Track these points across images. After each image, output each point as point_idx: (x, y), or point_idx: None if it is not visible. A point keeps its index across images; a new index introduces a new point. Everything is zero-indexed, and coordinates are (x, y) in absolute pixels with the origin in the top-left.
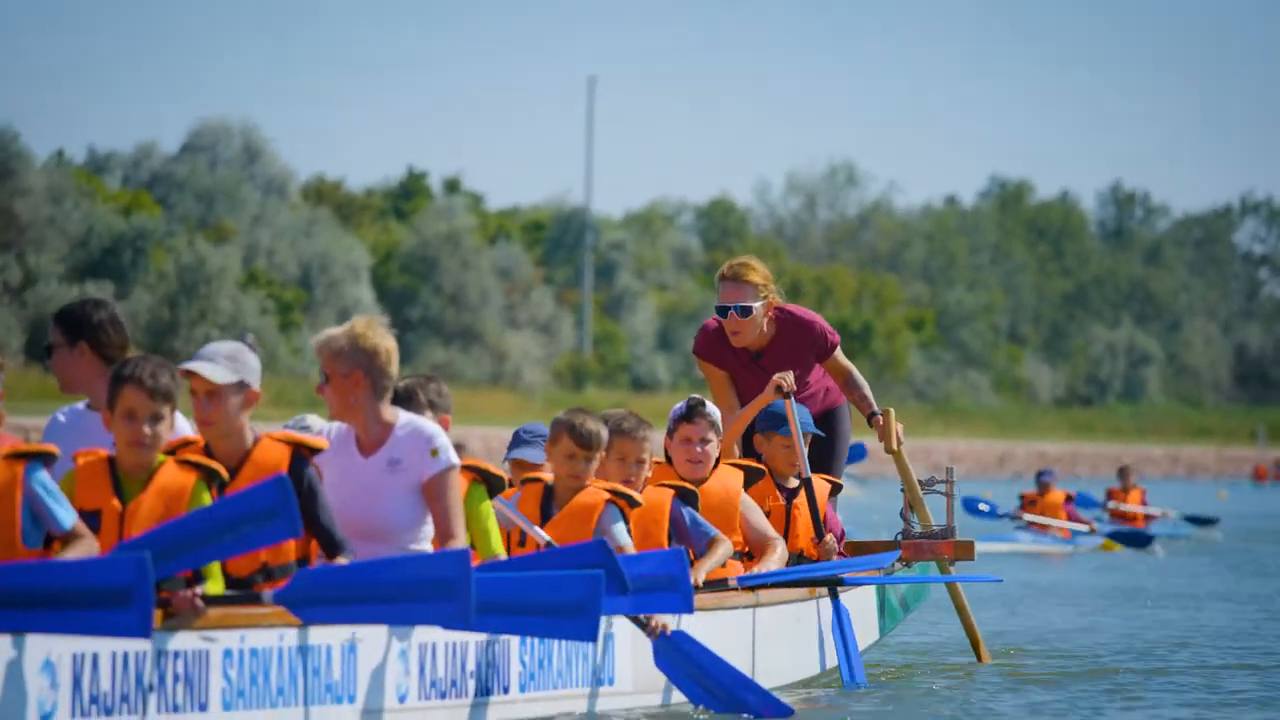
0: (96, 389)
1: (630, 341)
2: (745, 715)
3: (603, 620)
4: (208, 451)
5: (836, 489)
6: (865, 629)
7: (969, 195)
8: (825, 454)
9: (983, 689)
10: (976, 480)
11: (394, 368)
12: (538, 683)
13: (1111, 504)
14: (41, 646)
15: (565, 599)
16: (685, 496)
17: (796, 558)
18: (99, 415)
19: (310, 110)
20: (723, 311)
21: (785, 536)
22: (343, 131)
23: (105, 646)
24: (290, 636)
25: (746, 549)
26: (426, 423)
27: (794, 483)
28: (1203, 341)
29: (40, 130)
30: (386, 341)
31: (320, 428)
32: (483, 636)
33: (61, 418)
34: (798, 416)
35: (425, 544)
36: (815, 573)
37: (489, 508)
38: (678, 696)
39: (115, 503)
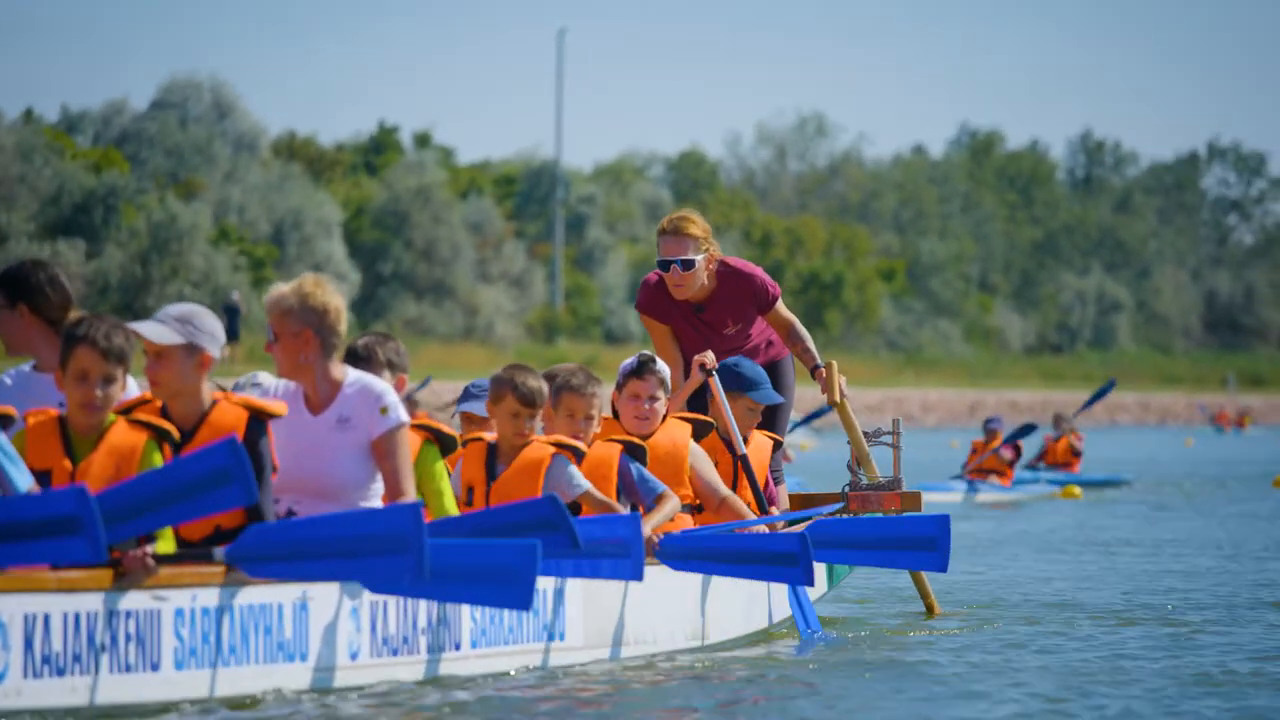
0: (40, 350)
1: (602, 294)
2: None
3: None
4: (164, 412)
5: (778, 445)
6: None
7: (938, 145)
8: (771, 409)
9: (941, 638)
10: (948, 429)
11: (343, 326)
12: (489, 639)
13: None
14: None
15: (500, 567)
16: (633, 451)
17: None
18: (46, 376)
19: (281, 66)
20: (665, 266)
21: (734, 491)
22: (313, 87)
23: (56, 606)
24: (242, 595)
25: (696, 502)
26: (375, 380)
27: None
28: (1172, 288)
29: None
30: (335, 300)
31: (271, 385)
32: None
33: (8, 380)
34: (763, 395)
35: (375, 502)
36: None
37: (442, 467)
38: (628, 651)
39: (66, 463)
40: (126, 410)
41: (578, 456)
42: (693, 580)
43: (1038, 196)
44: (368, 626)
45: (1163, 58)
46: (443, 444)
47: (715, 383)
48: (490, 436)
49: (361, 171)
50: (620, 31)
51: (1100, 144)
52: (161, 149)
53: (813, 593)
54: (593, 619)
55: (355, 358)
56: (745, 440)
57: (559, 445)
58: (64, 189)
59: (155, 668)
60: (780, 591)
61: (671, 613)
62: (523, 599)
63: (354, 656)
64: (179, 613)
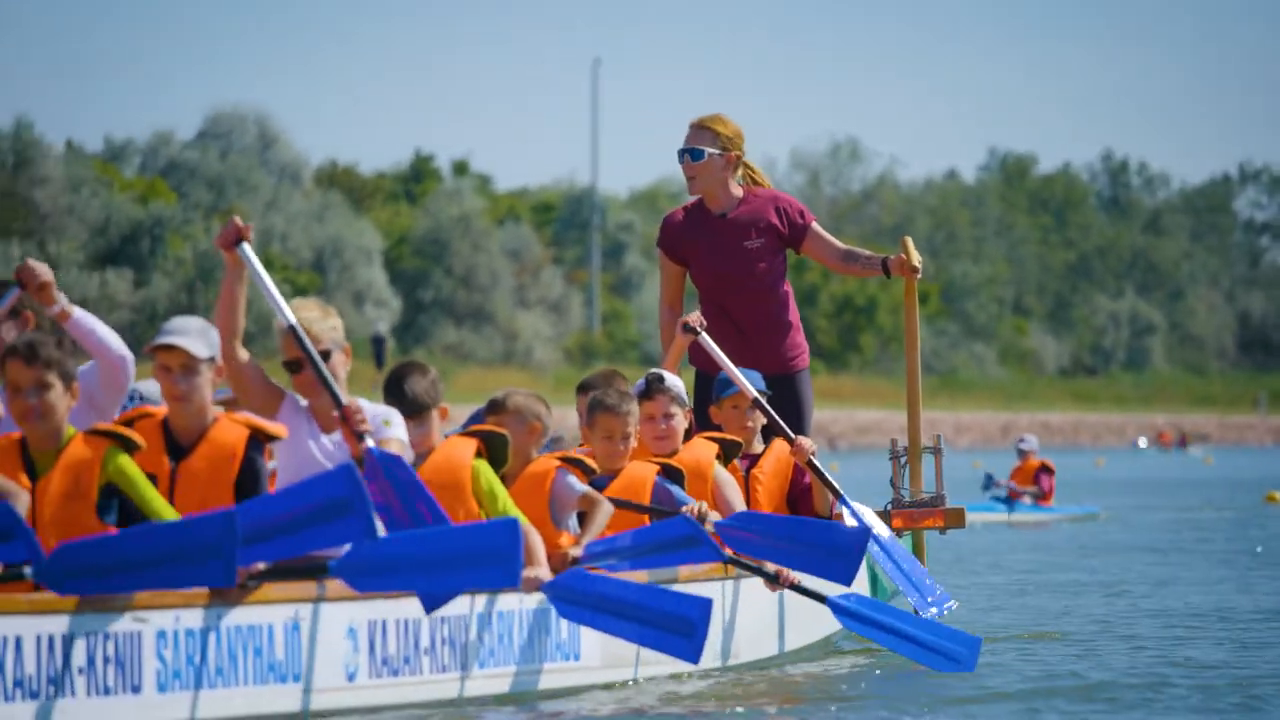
0: None
1: (638, 319)
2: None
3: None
4: (166, 426)
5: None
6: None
7: (969, 169)
8: (788, 425)
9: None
10: (980, 451)
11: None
12: (497, 659)
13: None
14: None
15: (675, 617)
16: (670, 474)
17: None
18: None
19: (322, 97)
20: (680, 157)
21: (747, 505)
22: (354, 117)
23: (29, 629)
24: (230, 616)
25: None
26: (380, 406)
27: (758, 448)
28: (1205, 309)
29: (54, 120)
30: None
31: (154, 393)
32: (440, 613)
33: None
34: (750, 379)
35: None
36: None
37: (492, 474)
38: (646, 671)
39: (25, 480)
40: (128, 423)
41: (586, 472)
42: (723, 595)
43: (1071, 219)
44: (365, 646)
45: (1193, 81)
46: (493, 452)
47: (706, 339)
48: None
49: (401, 199)
50: (654, 60)
51: (1124, 164)
52: (205, 179)
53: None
54: (610, 638)
55: (417, 405)
56: (766, 450)
57: (566, 460)
58: (111, 219)
59: (136, 690)
60: (815, 610)
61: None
62: (694, 652)
63: (351, 678)
64: (161, 634)
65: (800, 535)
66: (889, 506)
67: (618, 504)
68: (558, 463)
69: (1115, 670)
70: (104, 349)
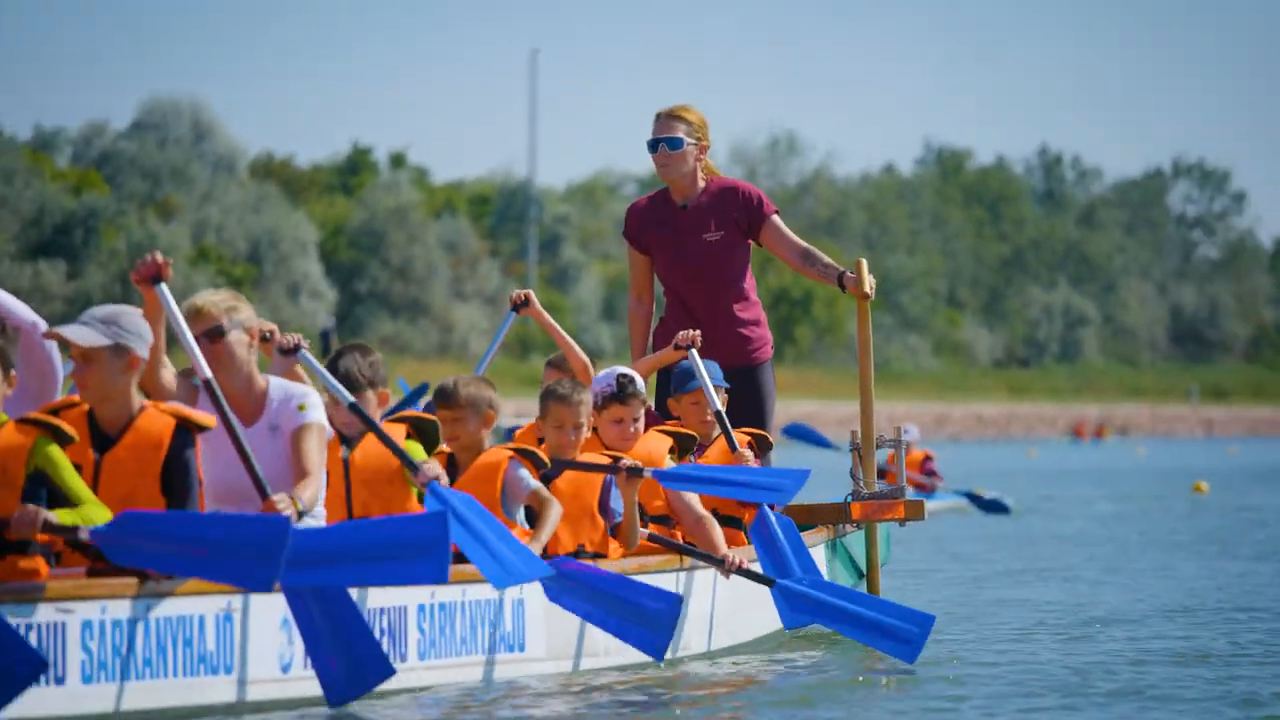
0: None
1: (576, 311)
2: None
3: (515, 587)
4: (91, 417)
5: (765, 445)
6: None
7: (906, 163)
8: (749, 417)
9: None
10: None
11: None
12: (439, 650)
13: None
14: None
15: (411, 541)
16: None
17: (712, 514)
18: None
19: (258, 88)
20: (653, 146)
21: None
22: (290, 108)
23: None
24: (160, 607)
25: (665, 513)
26: (294, 385)
27: (715, 436)
28: (1138, 302)
29: None
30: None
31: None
32: (377, 603)
33: None
34: (708, 370)
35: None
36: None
37: (419, 453)
38: (589, 663)
39: None
40: (54, 411)
41: (537, 465)
42: (668, 586)
43: (1005, 213)
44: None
45: (1128, 76)
46: (424, 436)
47: (695, 357)
48: (447, 448)
49: (338, 191)
50: (592, 52)
51: (1059, 158)
52: (140, 170)
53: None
54: (556, 628)
55: (350, 384)
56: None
57: (518, 452)
58: (44, 210)
59: (60, 682)
60: (767, 600)
61: None
62: (438, 572)
63: (285, 669)
64: (86, 624)
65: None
66: (848, 498)
67: (574, 467)
68: (510, 454)
69: (1048, 663)
70: (12, 316)
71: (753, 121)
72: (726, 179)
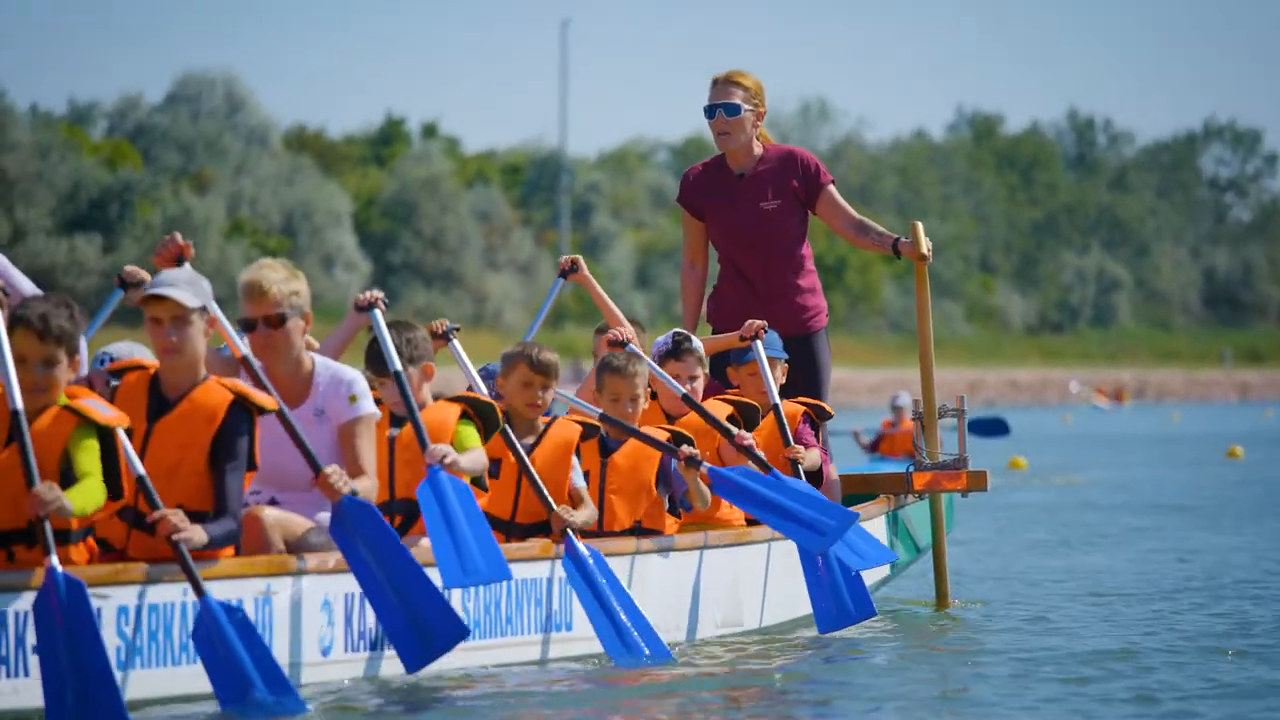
0: None
1: (609, 279)
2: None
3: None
4: (155, 381)
5: (823, 415)
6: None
7: (937, 128)
8: (805, 386)
9: (958, 628)
10: None
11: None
12: (484, 630)
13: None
14: None
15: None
16: (677, 439)
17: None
18: None
19: (290, 60)
20: (710, 112)
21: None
22: (322, 80)
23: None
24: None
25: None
26: (343, 369)
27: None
28: (1171, 266)
29: (17, 83)
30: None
31: (120, 355)
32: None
33: None
34: (767, 342)
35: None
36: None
37: (472, 436)
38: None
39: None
40: (119, 372)
41: (601, 440)
42: (722, 562)
43: (1037, 177)
44: (341, 619)
45: (1159, 39)
46: (483, 418)
47: (759, 350)
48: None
49: (370, 163)
50: (623, 21)
51: (1090, 121)
52: (174, 143)
53: (871, 576)
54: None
55: (380, 366)
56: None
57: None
58: (80, 185)
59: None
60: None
61: (705, 596)
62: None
63: (326, 652)
64: (122, 610)
65: (787, 497)
66: (910, 469)
67: (636, 435)
68: (577, 436)
69: (1088, 636)
70: (17, 290)
71: (784, 88)
72: (783, 146)
